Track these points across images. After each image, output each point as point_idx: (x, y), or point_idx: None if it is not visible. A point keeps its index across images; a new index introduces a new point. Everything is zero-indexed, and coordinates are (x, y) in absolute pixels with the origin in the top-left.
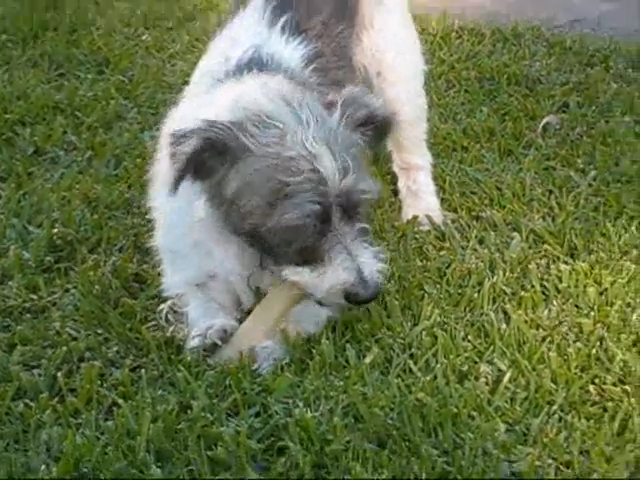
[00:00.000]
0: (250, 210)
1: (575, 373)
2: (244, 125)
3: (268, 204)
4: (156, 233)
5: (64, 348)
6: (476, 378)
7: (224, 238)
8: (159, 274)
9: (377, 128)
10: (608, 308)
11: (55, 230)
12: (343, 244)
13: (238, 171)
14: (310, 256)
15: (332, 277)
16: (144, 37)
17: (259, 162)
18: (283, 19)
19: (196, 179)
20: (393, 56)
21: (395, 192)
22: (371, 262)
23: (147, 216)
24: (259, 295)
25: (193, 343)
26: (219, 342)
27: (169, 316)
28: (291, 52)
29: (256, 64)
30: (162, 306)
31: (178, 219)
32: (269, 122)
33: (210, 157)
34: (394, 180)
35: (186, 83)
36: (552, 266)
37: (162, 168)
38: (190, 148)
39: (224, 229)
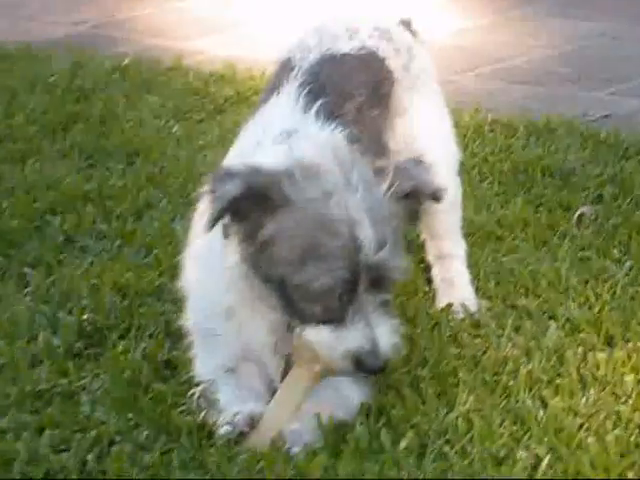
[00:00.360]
0: (281, 259)
1: (614, 459)
2: (292, 175)
3: (300, 258)
4: (187, 311)
5: (94, 432)
6: (513, 464)
7: (254, 297)
8: (190, 360)
9: (421, 202)
10: None
11: (85, 316)
12: (364, 312)
13: (276, 219)
14: (332, 317)
15: (348, 342)
16: (174, 129)
17: (300, 214)
18: (317, 104)
19: (232, 220)
20: (426, 143)
21: (429, 280)
22: (387, 335)
23: (178, 300)
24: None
25: (222, 431)
26: (246, 429)
27: (200, 401)
28: (326, 136)
29: None
30: (193, 390)
31: (210, 287)
32: (318, 177)
33: (250, 203)
34: (428, 269)
35: None
36: (589, 354)
37: (195, 241)
38: (232, 191)
39: (253, 282)
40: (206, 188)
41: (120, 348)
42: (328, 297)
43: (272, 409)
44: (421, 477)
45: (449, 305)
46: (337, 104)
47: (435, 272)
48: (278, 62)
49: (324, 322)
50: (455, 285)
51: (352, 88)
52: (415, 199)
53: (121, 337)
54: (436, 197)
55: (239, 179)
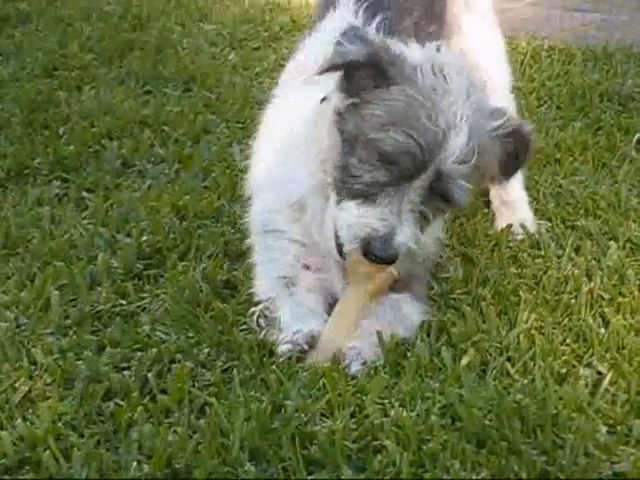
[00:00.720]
0: (370, 118)
1: None
2: (420, 65)
3: (390, 121)
4: (252, 207)
5: (154, 350)
6: (575, 381)
7: (327, 186)
8: (250, 271)
9: (516, 148)
10: None
11: (144, 238)
12: (402, 204)
13: (388, 90)
14: (370, 194)
15: (366, 219)
16: (230, 57)
17: (410, 92)
18: (377, 19)
19: (343, 76)
20: (481, 60)
21: (487, 203)
22: (408, 234)
23: (237, 221)
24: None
25: (282, 349)
26: (306, 347)
27: (260, 320)
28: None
29: None
30: (253, 309)
31: (284, 176)
32: (442, 74)
33: (368, 69)
34: (486, 191)
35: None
36: None
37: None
38: (353, 54)
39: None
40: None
41: (179, 268)
42: (382, 169)
43: (330, 327)
44: (483, 394)
45: (509, 226)
46: (396, 19)
47: (493, 194)
48: None
49: (358, 197)
50: (513, 206)
51: (409, 3)
52: (512, 141)
53: (180, 258)
54: (527, 147)
55: (367, 47)
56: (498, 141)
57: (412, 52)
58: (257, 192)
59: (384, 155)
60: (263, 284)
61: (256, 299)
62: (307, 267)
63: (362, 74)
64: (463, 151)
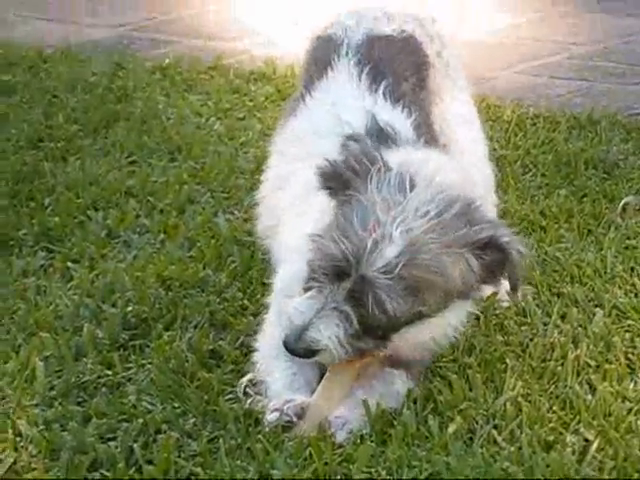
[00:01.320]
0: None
1: None
2: (385, 175)
3: (330, 227)
4: (282, 266)
5: (140, 420)
6: (562, 448)
7: None
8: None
9: (497, 256)
10: None
11: (129, 308)
12: (323, 301)
13: (346, 197)
14: (308, 287)
15: (290, 308)
16: (215, 127)
17: (361, 203)
18: (383, 84)
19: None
20: (459, 130)
21: None
22: (323, 333)
23: (223, 291)
24: None
25: (270, 417)
26: (295, 419)
27: (248, 389)
28: (402, 121)
29: (381, 134)
30: (242, 380)
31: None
32: (404, 187)
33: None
34: None
35: (260, 168)
36: (637, 340)
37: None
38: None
39: None
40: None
41: (165, 338)
42: (319, 268)
43: (319, 400)
44: (470, 462)
45: (494, 293)
46: (396, 85)
47: None
48: (317, 38)
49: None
50: None
51: (403, 69)
52: (488, 254)
53: (166, 328)
54: (513, 262)
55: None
56: (462, 256)
57: (391, 158)
58: (288, 255)
59: (316, 258)
60: (267, 342)
61: (254, 358)
62: None
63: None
64: (391, 263)
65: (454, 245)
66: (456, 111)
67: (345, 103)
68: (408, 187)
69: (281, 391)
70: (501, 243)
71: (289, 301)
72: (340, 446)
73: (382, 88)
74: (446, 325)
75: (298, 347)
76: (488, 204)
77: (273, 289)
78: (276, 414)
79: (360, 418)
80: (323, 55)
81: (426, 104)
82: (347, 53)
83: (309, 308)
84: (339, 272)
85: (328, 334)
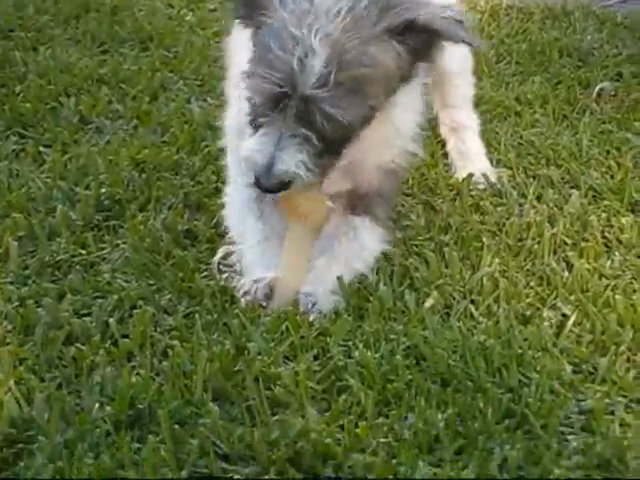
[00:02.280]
0: (251, 59)
1: None
2: None
3: (254, 62)
4: (226, 115)
5: (115, 297)
6: (540, 322)
7: None
8: (212, 225)
9: (420, 37)
10: None
11: (103, 190)
12: (277, 132)
13: (263, 25)
14: (257, 124)
15: (248, 150)
16: (187, 17)
17: (274, 25)
18: None
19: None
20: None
21: (447, 156)
22: (288, 161)
23: (196, 174)
24: None
25: (242, 301)
26: (263, 302)
27: (221, 266)
28: None
29: None
30: (215, 257)
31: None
32: None
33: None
34: (444, 143)
35: None
36: (613, 219)
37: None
38: None
39: None
40: None
41: (139, 219)
42: (260, 104)
43: (283, 271)
44: (447, 335)
45: (470, 175)
46: None
47: (450, 145)
48: None
49: (255, 128)
50: (471, 157)
51: None
52: (410, 34)
53: (140, 209)
54: (433, 31)
55: None
56: (388, 43)
57: None
58: (233, 99)
59: (254, 96)
60: (233, 195)
61: (224, 218)
62: None
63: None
64: (323, 74)
65: (375, 35)
66: None
67: None
68: None
69: (251, 267)
70: (422, 24)
71: (243, 144)
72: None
73: None
74: (401, 129)
75: (270, 183)
76: (466, 84)
77: (225, 131)
78: (247, 297)
79: (329, 296)
80: None
81: None
82: None
83: (267, 143)
84: (279, 102)
85: (294, 161)
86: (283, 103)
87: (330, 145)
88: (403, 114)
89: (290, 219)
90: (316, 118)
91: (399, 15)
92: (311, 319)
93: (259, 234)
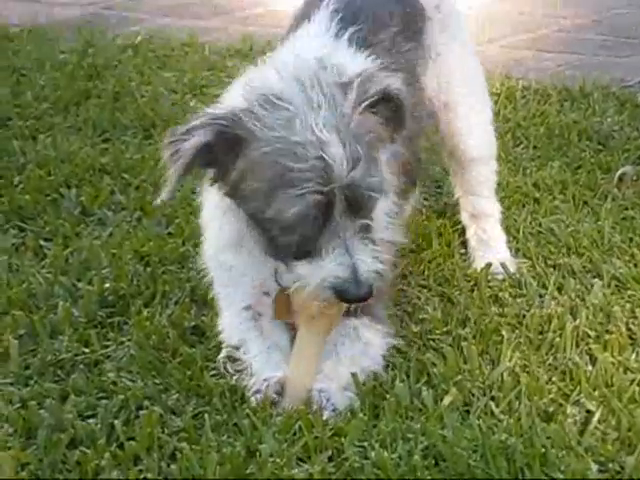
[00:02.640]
0: (250, 195)
1: None
2: (252, 108)
3: (269, 190)
4: (203, 245)
5: (121, 397)
6: (563, 419)
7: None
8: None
9: (392, 107)
10: None
11: (106, 285)
12: (342, 239)
13: (245, 155)
14: (308, 248)
15: (326, 270)
16: (192, 103)
17: (264, 146)
18: (350, 31)
19: (205, 169)
20: (460, 91)
21: (465, 244)
22: (368, 261)
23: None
24: None
25: (253, 400)
26: (276, 398)
27: (228, 366)
28: (359, 64)
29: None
30: (219, 356)
31: (218, 223)
32: (277, 103)
33: (220, 151)
34: (463, 230)
35: None
36: (637, 310)
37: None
38: (195, 144)
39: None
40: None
41: (145, 315)
42: (302, 226)
43: (293, 370)
44: (467, 434)
45: (488, 265)
46: (371, 32)
47: (470, 233)
48: None
49: (302, 256)
50: (492, 246)
51: (386, 18)
52: (383, 104)
53: (145, 305)
54: (400, 99)
55: (201, 130)
56: (366, 111)
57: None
58: (204, 231)
59: (288, 223)
60: (229, 320)
61: (224, 340)
62: (267, 293)
63: (219, 156)
64: (348, 155)
65: (357, 110)
66: (456, 67)
67: (302, 52)
68: (286, 102)
69: (260, 368)
70: (392, 93)
71: (296, 273)
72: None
73: (348, 34)
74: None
75: (364, 291)
76: (489, 171)
77: (205, 250)
78: (258, 395)
79: (343, 393)
80: (306, 9)
81: (413, 56)
82: (328, 4)
83: (340, 255)
84: (323, 210)
85: (371, 259)
86: (327, 208)
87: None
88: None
89: (303, 319)
90: (367, 195)
91: (372, 87)
92: (325, 417)
93: (262, 345)
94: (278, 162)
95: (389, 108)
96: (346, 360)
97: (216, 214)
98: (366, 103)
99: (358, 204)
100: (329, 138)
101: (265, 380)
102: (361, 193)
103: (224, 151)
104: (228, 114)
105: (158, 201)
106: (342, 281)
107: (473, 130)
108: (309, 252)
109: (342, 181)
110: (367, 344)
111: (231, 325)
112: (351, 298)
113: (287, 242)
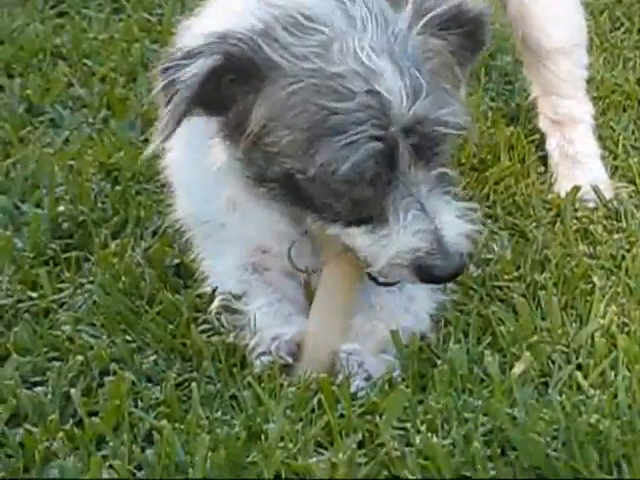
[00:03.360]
0: (282, 150)
1: None
2: (272, 32)
3: (308, 141)
4: (180, 203)
5: (79, 358)
6: None
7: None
8: (199, 265)
9: (468, 31)
10: None
11: (61, 209)
12: (415, 197)
13: (266, 97)
14: (368, 212)
15: (398, 242)
16: None
17: (294, 82)
18: None
19: (210, 114)
20: None
21: (544, 158)
22: (455, 223)
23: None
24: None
25: (258, 363)
26: (290, 360)
27: (223, 319)
28: None
29: None
30: (212, 306)
31: (203, 183)
32: (308, 25)
33: (227, 82)
34: (542, 141)
35: None
36: None
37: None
38: (200, 70)
39: (248, 181)
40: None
41: (113, 248)
42: (358, 184)
43: (315, 325)
44: (545, 414)
45: (576, 189)
46: None
47: (552, 144)
48: None
49: (361, 222)
50: (580, 161)
51: None
52: (456, 28)
53: (113, 235)
54: (481, 22)
55: (205, 54)
56: (435, 40)
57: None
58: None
59: (340, 183)
60: (220, 270)
61: (217, 286)
62: (265, 252)
63: (225, 89)
64: (408, 85)
65: (415, 29)
66: None
67: None
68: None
69: (267, 323)
70: (467, 11)
71: (363, 243)
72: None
73: None
74: None
75: (456, 265)
76: (575, 65)
77: (184, 210)
78: (267, 357)
79: (381, 356)
80: None
81: None
82: None
83: (418, 219)
84: (388, 159)
85: (458, 221)
86: (390, 158)
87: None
88: None
89: (330, 258)
90: (439, 135)
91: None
92: (355, 388)
93: (270, 295)
94: (315, 103)
95: (463, 33)
96: (383, 314)
97: (199, 170)
98: (426, 19)
99: (430, 148)
100: (380, 66)
101: (274, 338)
102: (432, 132)
103: (235, 86)
104: (242, 35)
105: (149, 152)
106: (424, 254)
107: (555, 11)
108: (371, 217)
109: (403, 120)
110: (411, 298)
111: (228, 273)
112: (438, 277)
113: (338, 206)
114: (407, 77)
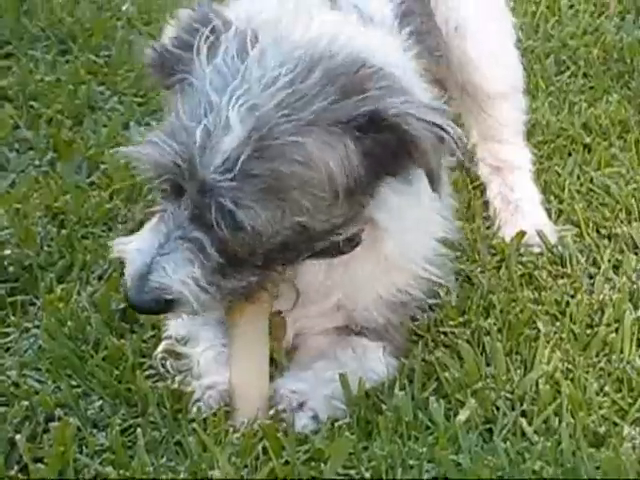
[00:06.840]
0: None
1: None
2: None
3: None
4: None
5: (24, 403)
6: (618, 443)
7: None
8: None
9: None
10: None
11: (7, 252)
12: (167, 227)
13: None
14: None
15: (131, 252)
16: (124, 6)
17: (197, 82)
18: None
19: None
20: (473, 4)
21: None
22: (174, 273)
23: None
24: None
25: (194, 411)
26: (215, 407)
27: (168, 364)
28: (379, 4)
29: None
30: (156, 351)
31: None
32: (244, 52)
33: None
34: (483, 189)
35: None
36: None
37: None
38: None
39: None
40: None
41: (58, 293)
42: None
43: (235, 374)
44: (490, 461)
45: (521, 233)
46: None
47: (492, 192)
48: None
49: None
50: (521, 208)
51: None
52: (373, 133)
53: (59, 280)
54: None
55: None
56: (337, 138)
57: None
58: None
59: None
60: (169, 321)
61: (166, 330)
62: None
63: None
64: (231, 156)
65: (321, 123)
66: None
67: None
68: (250, 49)
69: (206, 369)
70: (389, 117)
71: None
72: (305, 438)
73: None
74: (407, 252)
75: (143, 300)
76: (513, 109)
77: None
78: (199, 405)
79: (325, 398)
80: None
81: None
82: None
83: (149, 244)
84: (175, 187)
85: (179, 276)
86: (179, 188)
87: (234, 261)
88: (409, 233)
89: (230, 314)
90: (211, 215)
91: (366, 101)
92: (299, 428)
93: (214, 338)
94: (179, 106)
95: (387, 141)
96: (342, 367)
97: None
98: (341, 120)
99: (204, 217)
100: (235, 125)
101: (209, 387)
102: (210, 206)
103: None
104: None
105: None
106: (130, 274)
107: (492, 58)
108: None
109: (201, 175)
110: (372, 368)
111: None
112: (128, 301)
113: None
114: (245, 150)
